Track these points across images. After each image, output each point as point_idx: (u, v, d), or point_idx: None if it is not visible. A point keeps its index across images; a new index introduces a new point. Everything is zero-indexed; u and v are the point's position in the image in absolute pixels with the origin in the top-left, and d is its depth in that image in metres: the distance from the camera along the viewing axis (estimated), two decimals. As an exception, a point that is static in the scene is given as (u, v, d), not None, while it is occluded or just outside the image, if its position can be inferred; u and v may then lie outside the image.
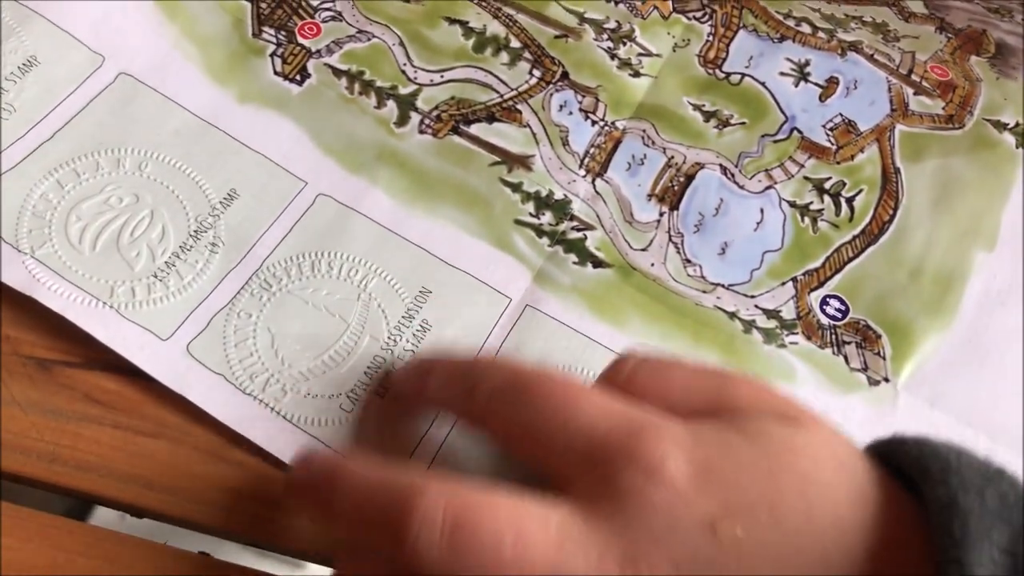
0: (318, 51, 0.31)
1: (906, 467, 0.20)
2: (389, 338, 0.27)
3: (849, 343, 0.29)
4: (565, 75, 0.32)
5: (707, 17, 0.35)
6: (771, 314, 0.30)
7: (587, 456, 0.20)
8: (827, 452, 0.20)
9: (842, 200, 0.32)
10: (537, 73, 0.32)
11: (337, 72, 0.31)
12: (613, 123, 0.32)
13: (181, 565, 0.24)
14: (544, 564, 0.19)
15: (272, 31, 0.31)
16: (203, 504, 0.25)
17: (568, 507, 0.20)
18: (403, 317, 0.27)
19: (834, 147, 0.32)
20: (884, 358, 0.29)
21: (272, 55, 0.31)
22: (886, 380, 0.29)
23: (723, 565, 0.19)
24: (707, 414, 0.21)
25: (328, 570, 0.23)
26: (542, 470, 0.21)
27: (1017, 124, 0.33)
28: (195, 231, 0.27)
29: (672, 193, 0.31)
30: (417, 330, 0.27)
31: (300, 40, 0.31)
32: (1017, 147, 0.33)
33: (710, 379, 0.23)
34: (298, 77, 0.31)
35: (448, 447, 0.26)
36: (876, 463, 0.21)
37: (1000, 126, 0.33)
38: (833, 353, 0.29)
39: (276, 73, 0.31)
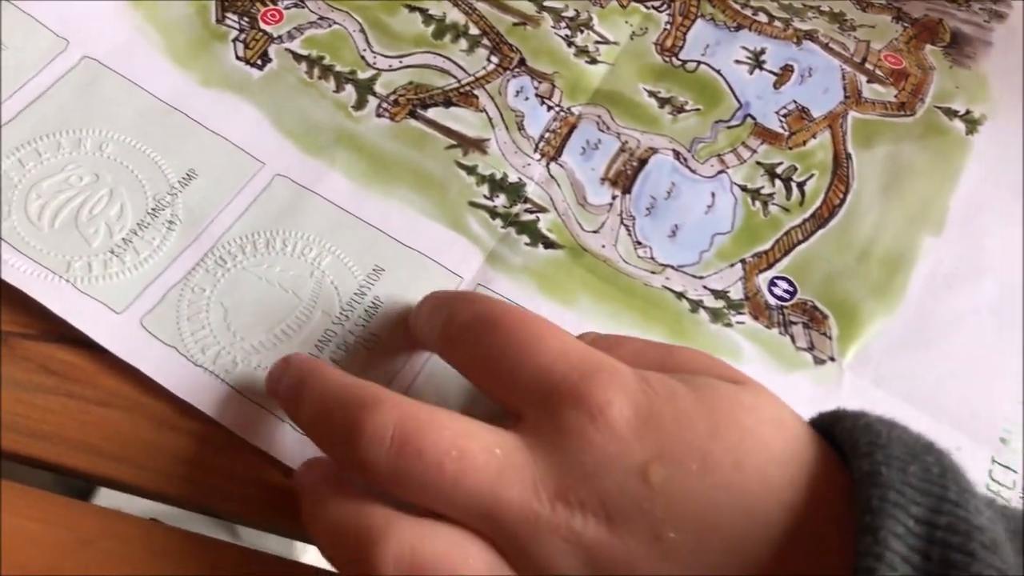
0: (279, 37, 0.32)
1: (839, 440, 0.21)
2: (341, 313, 0.28)
3: (796, 323, 0.30)
4: (522, 62, 0.33)
5: (665, 6, 0.35)
6: (719, 295, 0.30)
7: (541, 393, 0.21)
8: (771, 412, 0.21)
9: (793, 184, 0.32)
10: (495, 59, 0.33)
11: (297, 57, 0.32)
12: (569, 109, 0.33)
13: (132, 530, 0.24)
14: (482, 485, 0.20)
15: (235, 17, 0.32)
16: (154, 472, 0.25)
17: (515, 438, 0.21)
18: (355, 294, 0.28)
19: (787, 133, 0.33)
20: (830, 338, 0.30)
21: (234, 40, 0.32)
22: (832, 360, 0.30)
23: (649, 508, 0.19)
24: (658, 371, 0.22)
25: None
26: (500, 403, 0.23)
27: (968, 112, 0.34)
28: (153, 209, 0.28)
29: (625, 177, 0.32)
30: (369, 306, 0.28)
31: (262, 26, 0.32)
32: (967, 134, 0.33)
33: (659, 348, 0.24)
34: (259, 62, 0.32)
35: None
36: (818, 435, 0.21)
37: (951, 113, 0.34)
38: (780, 333, 0.30)
39: (238, 58, 0.32)
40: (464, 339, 0.24)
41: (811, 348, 0.30)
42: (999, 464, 0.29)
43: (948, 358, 0.30)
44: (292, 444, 0.26)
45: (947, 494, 0.18)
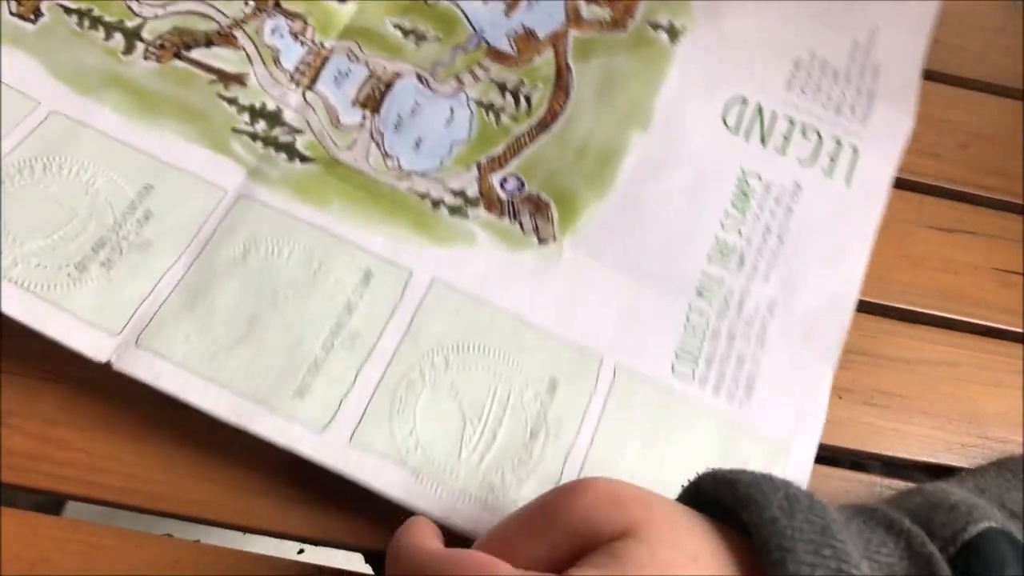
0: (51, -7, 0.39)
1: (749, 528, 0.25)
2: (115, 223, 0.35)
3: (524, 213, 0.38)
4: (277, 4, 0.41)
5: (410, -49, 0.43)
6: (457, 193, 0.38)
7: None
8: (682, 556, 0.24)
9: (521, 97, 0.41)
10: (252, 4, 0.41)
11: (68, 11, 0.39)
12: (321, 43, 0.40)
13: None
14: None
15: (8, -23, 0.39)
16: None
17: None
18: (128, 207, 0.35)
19: (516, 53, 0.41)
20: (552, 223, 0.38)
21: (9, -1, 0.39)
22: (553, 239, 0.38)
23: None
24: (567, 559, 0.25)
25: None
26: None
27: (671, 24, 0.43)
28: (-65, 144, 0.35)
29: (373, 99, 0.40)
30: (140, 217, 0.35)
31: (35, -15, 0.39)
32: (670, 43, 0.42)
33: (544, 523, 0.26)
34: (32, 16, 0.38)
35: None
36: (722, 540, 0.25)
37: (657, 27, 0.43)
38: (510, 222, 0.38)
39: (12, 13, 0.38)
40: None
41: (536, 231, 0.38)
42: (695, 311, 0.37)
43: (649, 232, 0.39)
44: (73, 328, 0.32)
45: None
